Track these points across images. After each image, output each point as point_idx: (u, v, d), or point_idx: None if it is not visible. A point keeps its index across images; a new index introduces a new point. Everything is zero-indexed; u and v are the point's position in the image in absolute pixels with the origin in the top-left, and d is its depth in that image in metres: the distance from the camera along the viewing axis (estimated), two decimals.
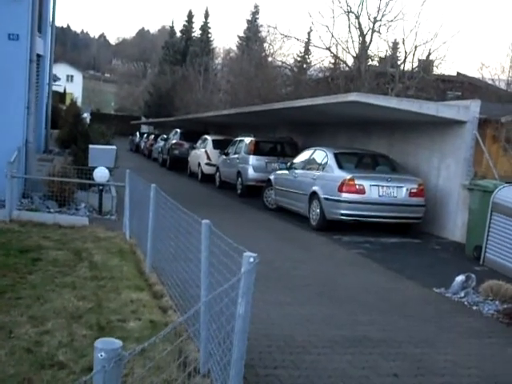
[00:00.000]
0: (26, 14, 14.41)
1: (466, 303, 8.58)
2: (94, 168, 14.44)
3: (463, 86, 27.38)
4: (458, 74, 29.70)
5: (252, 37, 48.56)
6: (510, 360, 6.44)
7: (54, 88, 31.66)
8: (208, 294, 4.87)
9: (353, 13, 28.05)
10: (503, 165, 14.79)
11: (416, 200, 14.04)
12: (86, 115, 43.57)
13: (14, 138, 14.15)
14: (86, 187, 14.96)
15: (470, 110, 14.15)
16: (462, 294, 8.87)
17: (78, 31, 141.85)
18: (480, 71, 27.73)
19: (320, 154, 15.56)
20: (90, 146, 15.25)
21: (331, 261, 11.16)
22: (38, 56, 16.48)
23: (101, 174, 14.21)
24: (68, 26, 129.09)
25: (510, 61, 27.09)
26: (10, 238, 10.37)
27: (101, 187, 14.28)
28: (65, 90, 58.52)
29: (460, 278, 9.14)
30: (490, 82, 27.56)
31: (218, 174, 23.96)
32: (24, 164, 14.55)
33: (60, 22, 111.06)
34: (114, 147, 16.06)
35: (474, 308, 8.37)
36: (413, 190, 14.00)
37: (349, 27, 28.44)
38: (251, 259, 3.79)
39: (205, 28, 75.29)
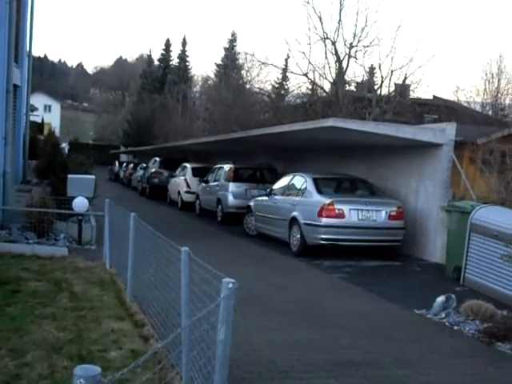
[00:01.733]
0: (3, 44, 14.42)
1: (447, 324, 8.62)
2: (73, 198, 14.38)
3: (439, 109, 27.71)
4: (434, 97, 30.10)
5: (230, 64, 48.87)
6: (492, 378, 6.47)
7: (32, 118, 31.58)
8: (188, 320, 4.85)
9: (329, 39, 28.41)
10: (480, 186, 14.94)
11: (395, 223, 14.11)
12: (65, 145, 43.44)
13: None
14: (65, 217, 14.89)
15: (446, 132, 14.31)
16: (443, 315, 8.91)
17: (56, 60, 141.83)
18: (455, 94, 28.10)
19: (299, 180, 15.64)
20: (69, 176, 15.20)
21: (313, 285, 11.16)
22: (15, 86, 16.48)
23: (80, 203, 14.15)
24: (45, 56, 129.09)
25: (485, 84, 27.51)
26: None
27: (80, 217, 14.22)
28: (43, 120, 58.41)
29: (440, 299, 9.19)
30: (466, 104, 27.94)
31: (197, 201, 23.93)
32: (1, 195, 14.46)
33: (37, 52, 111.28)
34: (92, 177, 16.02)
35: (455, 328, 8.41)
36: (392, 213, 14.08)
37: (325, 53, 28.79)
38: (230, 285, 3.80)
39: (182, 56, 75.64)
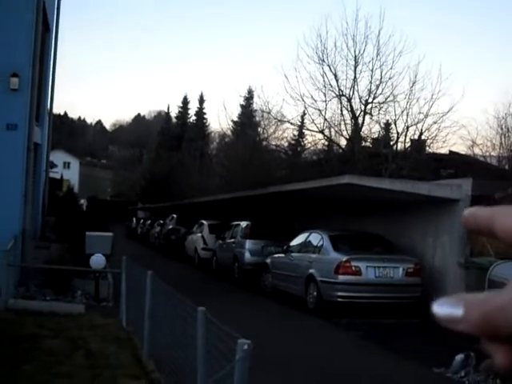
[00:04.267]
0: (25, 104, 14.75)
1: (466, 383, 8.48)
2: (90, 255, 14.46)
3: (456, 164, 27.70)
4: (450, 152, 30.10)
5: (246, 121, 49.40)
6: None
7: (51, 175, 31.91)
8: (204, 381, 4.84)
9: (344, 96, 28.63)
10: (498, 241, 14.85)
11: (413, 280, 14.02)
12: (83, 202, 43.78)
13: (11, 225, 14.24)
14: (83, 274, 14.94)
15: (462, 188, 14.31)
16: (463, 374, 8.78)
17: (75, 118, 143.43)
18: (471, 149, 28.10)
19: (316, 237, 15.64)
20: (87, 233, 15.33)
21: (329, 344, 11.06)
22: (36, 144, 16.76)
23: (97, 260, 14.23)
24: (65, 113, 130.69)
25: (500, 138, 27.53)
26: (4, 327, 10.30)
27: (97, 274, 14.27)
28: (61, 176, 59.00)
29: (460, 357, 9.06)
30: (482, 159, 27.94)
31: (214, 258, 23.92)
32: (20, 252, 14.58)
33: (57, 109, 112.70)
34: (110, 234, 16.14)
35: None
36: (409, 270, 14.00)
37: (341, 110, 28.96)
38: (245, 346, 3.80)
39: (200, 114, 76.63)
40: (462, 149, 30.27)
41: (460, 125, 27.22)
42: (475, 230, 0.64)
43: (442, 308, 0.60)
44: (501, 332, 0.54)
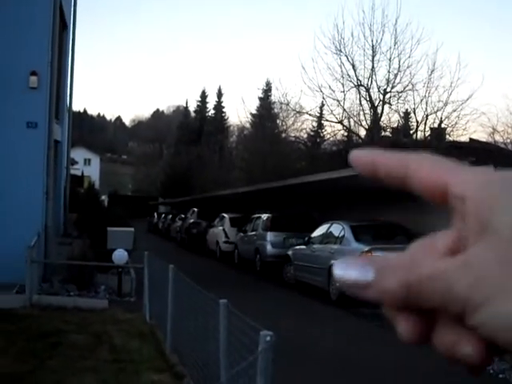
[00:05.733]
0: (44, 102, 14.82)
1: (491, 371, 8.42)
2: (112, 250, 14.54)
3: (476, 152, 27.46)
4: (471, 139, 29.86)
5: (265, 114, 49.32)
6: None
7: (72, 172, 32.05)
8: (227, 373, 4.86)
9: (363, 86, 28.52)
10: None
11: None
12: (104, 198, 44.03)
13: (34, 222, 14.34)
14: (105, 269, 15.03)
15: None
16: None
17: (95, 114, 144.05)
18: (492, 136, 27.86)
19: (337, 228, 15.60)
20: (109, 229, 15.41)
21: (352, 335, 11.05)
22: (56, 142, 16.85)
23: (119, 256, 14.30)
24: (85, 110, 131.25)
25: None
26: (30, 322, 10.39)
27: (120, 269, 14.34)
28: (82, 173, 59.34)
29: None
30: (503, 145, 27.68)
31: (236, 251, 23.96)
32: (43, 248, 14.68)
33: (77, 107, 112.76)
34: (131, 229, 16.22)
35: (500, 376, 8.23)
36: None
37: (359, 100, 28.87)
38: (268, 338, 3.80)
39: (218, 107, 76.68)
40: (482, 136, 30.01)
41: (480, 112, 27.01)
42: (369, 176, 0.52)
43: (346, 270, 0.49)
44: (422, 304, 0.47)
